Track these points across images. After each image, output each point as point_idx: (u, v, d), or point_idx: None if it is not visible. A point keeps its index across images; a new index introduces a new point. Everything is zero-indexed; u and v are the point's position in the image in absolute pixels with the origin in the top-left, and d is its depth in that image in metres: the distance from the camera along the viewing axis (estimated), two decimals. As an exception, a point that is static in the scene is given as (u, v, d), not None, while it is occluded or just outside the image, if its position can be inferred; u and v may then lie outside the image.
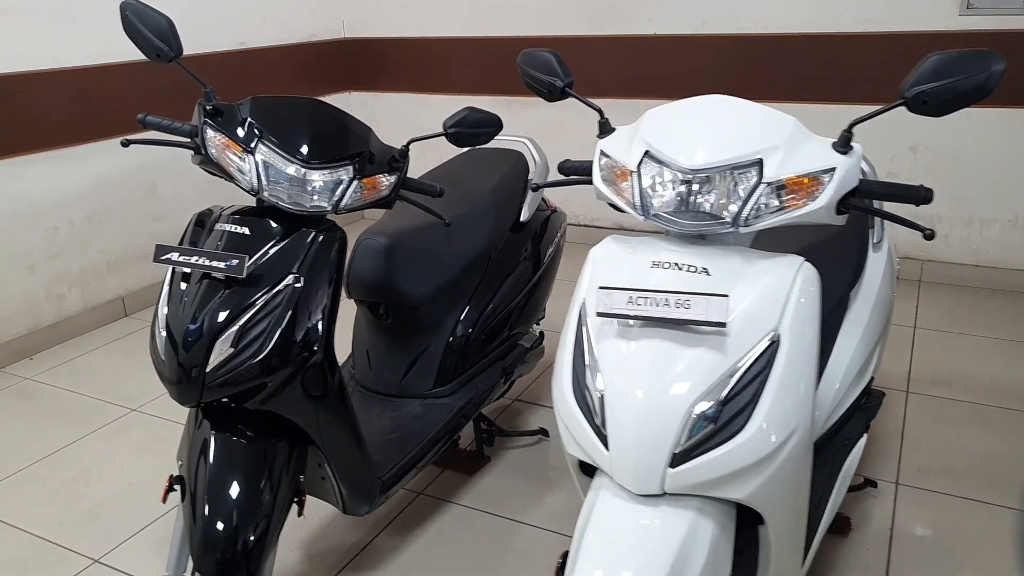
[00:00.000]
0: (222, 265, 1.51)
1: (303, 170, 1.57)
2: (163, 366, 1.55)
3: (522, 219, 2.37)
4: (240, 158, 1.58)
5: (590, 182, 1.55)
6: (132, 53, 3.51)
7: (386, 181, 1.70)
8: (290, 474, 1.62)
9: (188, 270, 1.57)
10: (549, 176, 2.50)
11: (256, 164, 1.57)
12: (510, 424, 2.61)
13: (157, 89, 3.62)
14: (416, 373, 2.18)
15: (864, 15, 3.48)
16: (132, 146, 1.72)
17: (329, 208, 1.60)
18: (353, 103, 4.84)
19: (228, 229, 1.59)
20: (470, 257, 2.22)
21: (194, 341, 1.51)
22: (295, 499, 1.64)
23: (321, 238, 1.59)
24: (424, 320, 2.17)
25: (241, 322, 1.51)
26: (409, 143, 1.75)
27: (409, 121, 4.70)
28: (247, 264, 1.50)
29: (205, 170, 1.68)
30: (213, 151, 1.59)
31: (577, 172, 1.60)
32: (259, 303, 1.52)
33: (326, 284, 1.58)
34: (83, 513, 2.25)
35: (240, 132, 1.58)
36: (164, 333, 1.55)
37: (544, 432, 2.51)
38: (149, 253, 3.64)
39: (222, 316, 1.51)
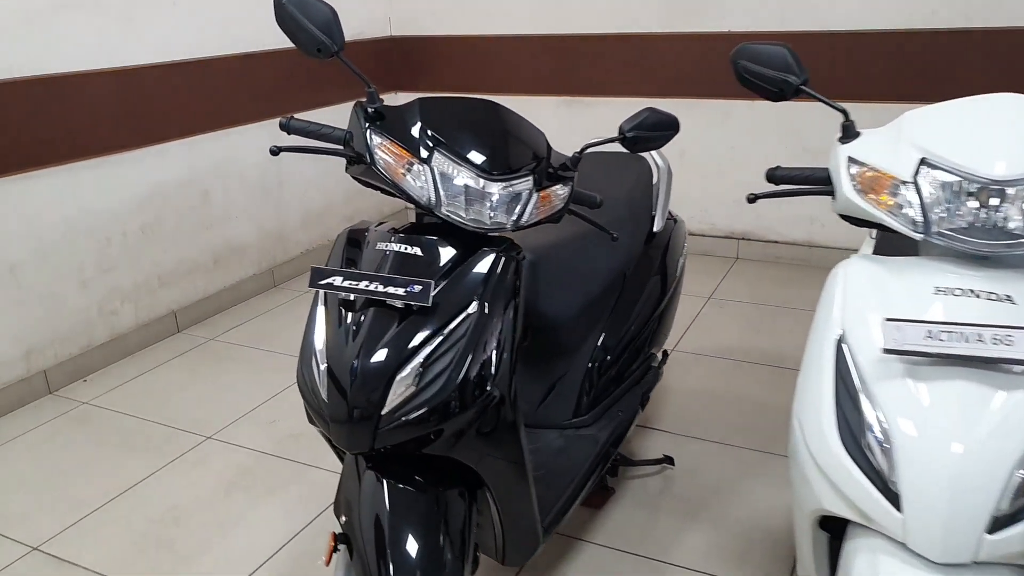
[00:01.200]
0: (401, 292, 1.31)
1: (483, 182, 1.37)
2: (324, 406, 1.34)
3: (655, 229, 2.17)
4: (412, 168, 1.37)
5: (821, 192, 1.36)
6: (186, 51, 3.30)
7: (561, 193, 1.50)
8: (469, 525, 1.41)
9: (351, 296, 1.37)
10: (673, 183, 2.31)
11: (432, 175, 1.36)
12: (628, 451, 2.41)
13: (213, 88, 3.40)
14: (554, 401, 1.97)
15: (959, 10, 3.31)
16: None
17: (509, 225, 1.40)
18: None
19: (396, 249, 1.39)
20: (609, 273, 2.03)
21: (367, 379, 1.31)
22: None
23: (503, 259, 1.38)
24: (564, 343, 1.97)
25: (422, 357, 1.31)
26: (584, 149, 1.55)
27: (460, 123, 4.48)
28: (433, 291, 1.30)
29: (362, 182, 1.48)
30: (380, 160, 1.39)
31: (794, 180, 1.40)
32: (442, 335, 1.32)
33: (507, 310, 1.38)
34: (179, 559, 2.04)
35: (412, 139, 1.38)
36: (324, 368, 1.35)
37: (669, 460, 2.31)
38: (202, 264, 3.43)
39: (400, 350, 1.31)
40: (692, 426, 2.53)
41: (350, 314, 1.37)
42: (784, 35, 3.59)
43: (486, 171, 1.36)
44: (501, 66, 4.26)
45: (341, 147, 1.48)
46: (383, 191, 1.46)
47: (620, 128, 1.54)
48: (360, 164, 1.44)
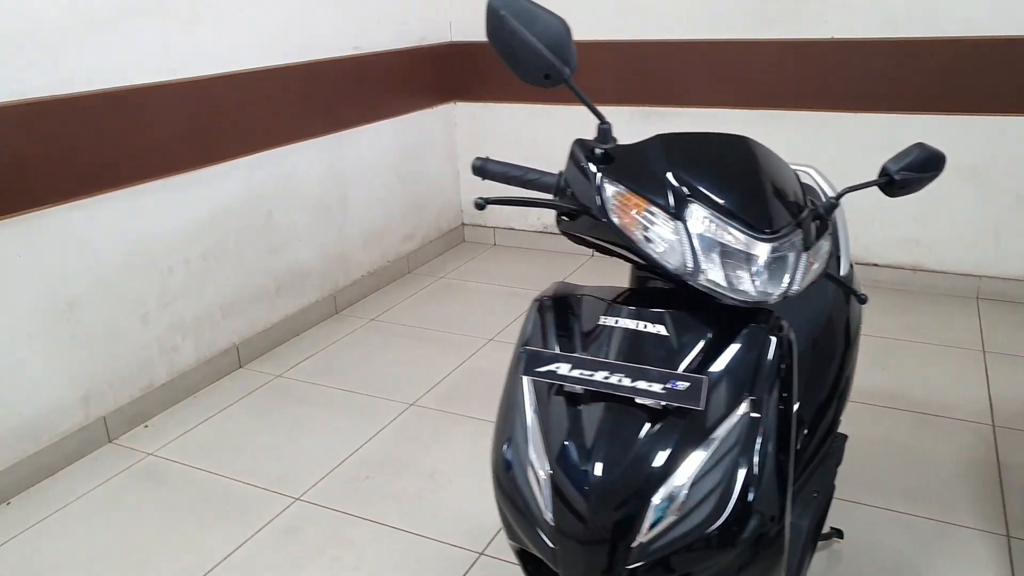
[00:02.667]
0: (659, 389, 1.02)
1: (749, 242, 1.07)
2: (545, 527, 1.06)
3: (842, 273, 1.87)
4: (655, 226, 1.08)
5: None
6: (251, 60, 3.02)
7: (824, 250, 1.21)
8: None
9: (576, 389, 1.08)
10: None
11: (687, 235, 1.07)
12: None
13: (275, 101, 3.11)
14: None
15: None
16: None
17: (776, 296, 1.11)
18: (458, 116, 4.34)
19: (631, 327, 1.09)
20: (815, 328, 1.73)
21: (611, 497, 1.02)
22: None
23: (774, 340, 1.09)
24: None
25: (690, 474, 1.02)
26: (843, 193, 1.26)
27: (527, 136, 4.19)
28: (705, 389, 1.01)
29: (579, 239, 1.19)
30: (615, 216, 1.10)
31: None
32: (710, 444, 1.03)
33: (779, 406, 1.09)
34: (290, 660, 1.74)
35: (659, 188, 1.09)
36: (545, 478, 1.06)
37: (838, 534, 2.02)
38: (265, 292, 3.14)
39: (656, 464, 1.02)
40: (855, 488, 2.24)
41: (580, 409, 1.08)
42: (893, 42, 3.30)
43: (753, 229, 1.07)
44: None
45: (552, 197, 1.19)
46: (606, 251, 1.17)
47: (885, 169, 1.24)
48: (579, 219, 1.15)
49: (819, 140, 3.58)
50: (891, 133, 3.43)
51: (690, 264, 1.07)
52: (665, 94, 3.82)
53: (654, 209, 1.08)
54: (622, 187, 1.10)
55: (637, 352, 1.07)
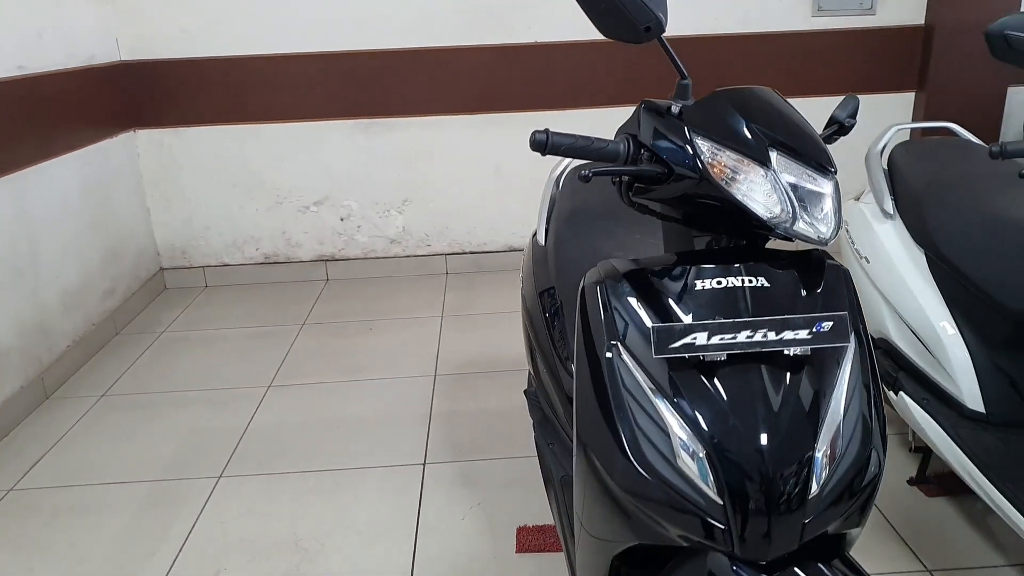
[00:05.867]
0: (804, 335, 1.00)
1: (824, 182, 1.09)
2: (712, 506, 0.98)
3: None
4: (744, 177, 1.05)
5: None
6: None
7: None
8: None
9: (721, 356, 1.01)
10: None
11: (779, 182, 1.05)
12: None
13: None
14: None
15: (738, 17, 3.70)
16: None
17: (831, 235, 1.14)
18: (141, 145, 3.73)
19: (736, 284, 1.05)
20: None
21: (784, 458, 0.98)
22: None
23: (849, 277, 1.13)
24: None
25: (838, 418, 1.01)
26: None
27: (235, 160, 3.77)
28: (848, 324, 1.01)
29: (648, 210, 1.10)
30: (720, 173, 1.04)
31: None
32: (840, 386, 1.03)
33: (867, 339, 1.13)
34: None
35: (745, 140, 1.05)
36: (703, 455, 0.98)
37: None
38: None
39: (811, 415, 1.00)
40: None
41: (719, 377, 1.01)
42: (589, 44, 3.66)
43: (819, 170, 1.09)
44: (279, 90, 3.67)
45: (631, 167, 1.08)
46: (669, 218, 1.10)
47: (835, 118, 1.35)
48: (662, 184, 1.07)
49: (536, 138, 3.81)
50: (599, 122, 3.79)
51: (788, 210, 1.06)
52: (384, 105, 3.73)
53: (746, 160, 1.05)
54: (713, 142, 1.05)
55: (759, 306, 1.04)
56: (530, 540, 1.99)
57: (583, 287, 1.17)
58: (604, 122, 3.79)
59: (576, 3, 1.11)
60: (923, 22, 3.71)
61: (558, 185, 2.05)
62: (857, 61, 3.77)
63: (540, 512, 2.11)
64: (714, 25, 3.68)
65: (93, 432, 2.61)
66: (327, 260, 3.99)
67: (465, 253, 4.00)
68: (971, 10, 3.57)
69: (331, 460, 2.40)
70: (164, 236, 3.89)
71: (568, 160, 2.07)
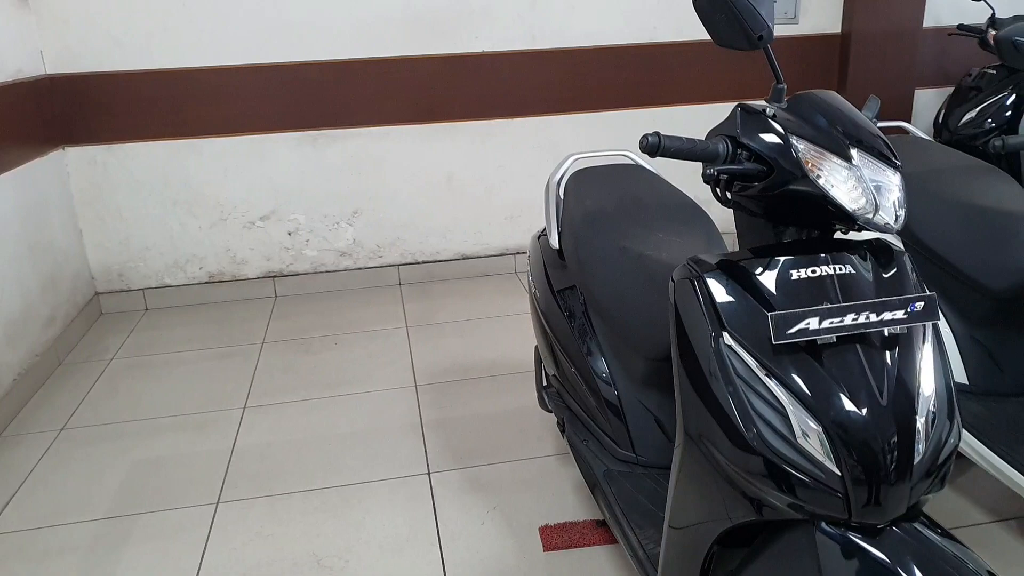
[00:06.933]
0: (901, 315, 1.10)
1: (894, 175, 1.20)
2: (829, 475, 1.07)
3: None
4: (838, 174, 1.14)
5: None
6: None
7: None
8: None
9: (831, 338, 1.09)
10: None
11: (863, 177, 1.15)
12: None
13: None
14: None
15: (673, 27, 3.86)
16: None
17: (899, 225, 1.25)
18: (72, 164, 3.52)
19: (828, 272, 1.14)
20: None
21: (889, 428, 1.07)
22: None
23: (913, 262, 1.24)
24: None
25: (932, 389, 1.11)
26: None
27: (176, 177, 3.62)
28: (936, 302, 1.11)
29: (739, 205, 1.17)
30: (814, 168, 1.12)
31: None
32: (928, 359, 1.14)
33: None
34: None
35: (832, 139, 1.14)
36: (818, 429, 1.07)
37: None
38: None
39: (910, 387, 1.10)
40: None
41: (826, 358, 1.09)
42: (534, 53, 3.74)
43: (892, 161, 1.19)
44: (221, 102, 3.56)
45: (735, 166, 1.15)
46: (764, 216, 1.18)
47: None
48: (754, 182, 1.14)
49: (486, 147, 3.85)
50: (545, 133, 3.87)
51: (872, 202, 1.15)
52: (331, 116, 3.68)
53: (834, 158, 1.14)
54: (806, 142, 1.13)
55: (847, 291, 1.13)
56: (556, 538, 2.03)
57: (674, 283, 1.23)
58: (550, 129, 3.88)
59: (696, 14, 1.17)
60: (840, 30, 3.99)
61: (561, 189, 2.11)
62: (786, 66, 4.00)
63: (558, 511, 2.15)
64: (653, 34, 3.83)
65: (61, 469, 2.46)
66: (275, 276, 3.89)
67: (418, 263, 3.99)
68: (882, 19, 3.87)
69: (331, 477, 2.36)
70: (99, 259, 3.69)
71: (566, 166, 2.13)
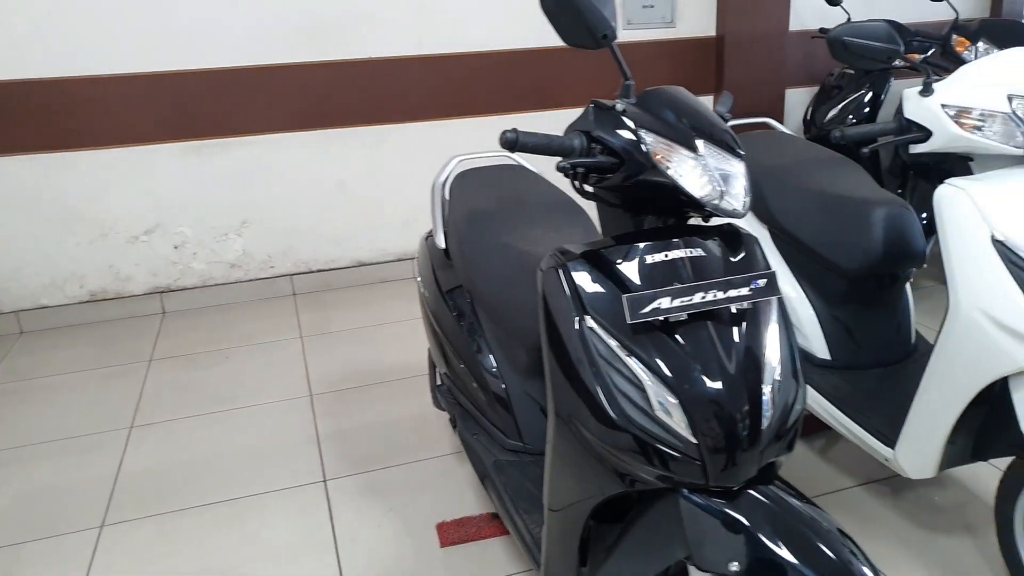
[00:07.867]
0: (746, 291, 1.18)
1: (738, 164, 1.28)
2: (686, 444, 1.14)
3: None
4: (685, 163, 1.21)
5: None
6: None
7: None
8: None
9: (682, 316, 1.16)
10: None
11: (708, 166, 1.22)
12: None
13: None
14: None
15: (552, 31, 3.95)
16: None
17: (744, 209, 1.33)
18: (-68, 180, 3.32)
19: (682, 255, 1.21)
20: None
21: (740, 398, 1.15)
22: None
23: (759, 244, 1.33)
24: None
25: (777, 360, 1.20)
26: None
27: (46, 191, 3.45)
28: (776, 278, 1.20)
29: (598, 198, 1.22)
30: (662, 160, 1.19)
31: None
32: (774, 332, 1.23)
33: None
34: None
35: (677, 131, 1.21)
36: (675, 402, 1.14)
37: None
38: None
39: (756, 358, 1.19)
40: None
41: (679, 334, 1.16)
42: (423, 58, 3.76)
43: (735, 151, 1.27)
44: (98, 114, 3.42)
45: (589, 159, 1.21)
46: (612, 204, 1.24)
47: (717, 112, 1.56)
48: (608, 174, 1.20)
49: (379, 153, 3.85)
50: (435, 137, 3.90)
51: (718, 189, 1.23)
52: (217, 125, 3.60)
53: (681, 150, 1.21)
54: (654, 135, 1.20)
55: (699, 272, 1.20)
56: (452, 533, 2.05)
57: (541, 272, 1.28)
58: (443, 134, 3.91)
59: (542, 14, 1.22)
60: (714, 33, 4.19)
61: (446, 190, 2.14)
62: (664, 68, 4.18)
63: (455, 507, 2.17)
64: (539, 38, 3.92)
65: (-71, 503, 2.32)
66: (162, 292, 3.76)
67: (312, 272, 3.94)
68: (751, 23, 4.09)
69: (224, 491, 2.31)
70: (-36, 281, 3.48)
71: (451, 167, 2.17)
